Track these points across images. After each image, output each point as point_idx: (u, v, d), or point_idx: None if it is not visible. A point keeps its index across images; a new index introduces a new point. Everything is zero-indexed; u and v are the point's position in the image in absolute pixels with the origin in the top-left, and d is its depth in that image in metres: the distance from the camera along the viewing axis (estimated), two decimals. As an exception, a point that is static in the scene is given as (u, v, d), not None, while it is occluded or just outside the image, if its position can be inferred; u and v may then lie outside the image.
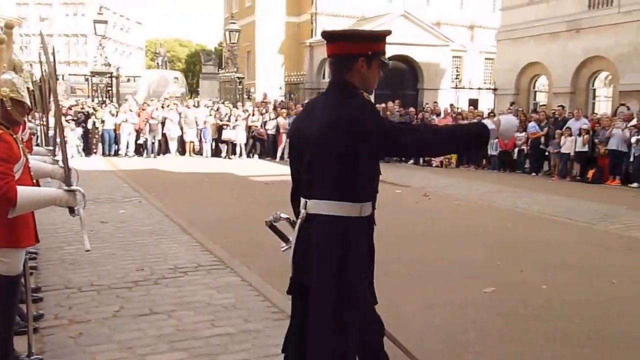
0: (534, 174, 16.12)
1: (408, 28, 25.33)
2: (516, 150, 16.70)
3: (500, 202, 11.02)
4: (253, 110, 19.87)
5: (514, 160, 16.81)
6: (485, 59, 33.03)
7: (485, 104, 24.95)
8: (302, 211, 2.60)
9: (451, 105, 21.79)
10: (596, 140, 14.67)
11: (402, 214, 9.34)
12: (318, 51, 27.14)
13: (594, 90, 21.11)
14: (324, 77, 26.93)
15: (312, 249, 2.55)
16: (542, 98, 23.02)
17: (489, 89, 25.55)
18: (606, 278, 5.78)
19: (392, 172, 15.58)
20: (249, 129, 19.27)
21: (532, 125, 16.49)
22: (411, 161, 18.67)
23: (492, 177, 15.20)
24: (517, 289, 5.40)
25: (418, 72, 26.15)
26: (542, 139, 16.13)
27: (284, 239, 2.88)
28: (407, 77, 26.19)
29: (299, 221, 2.63)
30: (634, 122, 14.25)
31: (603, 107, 20.74)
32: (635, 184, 13.55)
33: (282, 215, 2.85)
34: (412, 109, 19.77)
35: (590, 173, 14.44)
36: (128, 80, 28.76)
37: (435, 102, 21.55)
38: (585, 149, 14.65)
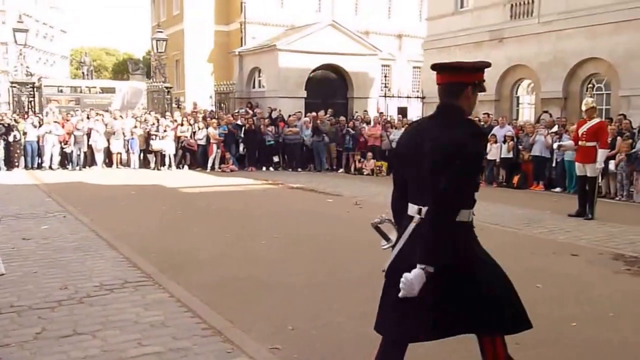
0: None
1: (336, 37, 25.64)
2: None
3: (431, 208, 11.25)
4: (182, 120, 19.54)
5: (443, 168, 17.24)
6: (414, 67, 33.90)
7: (414, 112, 25.53)
8: (417, 216, 2.95)
9: (381, 113, 22.22)
10: (520, 147, 15.28)
11: (334, 223, 9.39)
12: (248, 60, 27.02)
13: (518, 97, 22.06)
14: (254, 87, 26.82)
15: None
16: None
17: (418, 97, 26.19)
18: (532, 282, 5.98)
19: (324, 181, 15.70)
20: (178, 139, 18.93)
21: None
22: (342, 169, 18.86)
23: (423, 184, 15.51)
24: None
25: (348, 81, 26.48)
26: None
27: (386, 238, 3.23)
28: (337, 86, 26.47)
29: (412, 224, 2.95)
30: (555, 128, 14.95)
31: (527, 114, 21.68)
32: (557, 189, 14.20)
33: (386, 217, 3.25)
34: (342, 118, 19.98)
35: (515, 179, 15.02)
36: (102, 92, 27.87)
37: (366, 111, 21.89)
38: (510, 155, 15.23)
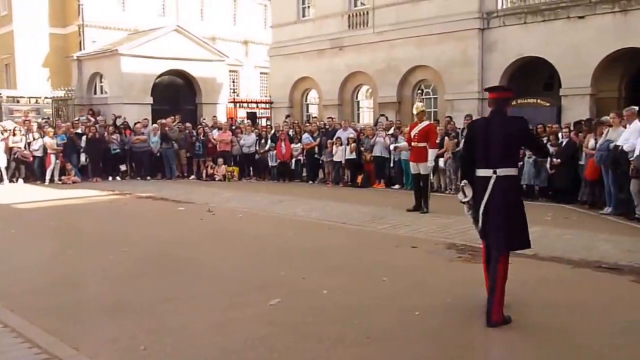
0: (310, 182, 16.99)
1: (182, 42, 25.02)
2: (293, 160, 17.42)
3: (281, 211, 11.36)
4: (14, 130, 17.76)
5: (292, 170, 17.51)
6: (261, 73, 34.08)
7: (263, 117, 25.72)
8: (494, 175, 4.76)
9: (230, 119, 22.05)
10: (362, 148, 15.94)
11: (186, 232, 9.11)
12: (88, 65, 25.44)
13: (358, 102, 23.05)
14: (95, 93, 25.34)
15: (505, 193, 4.78)
16: (314, 110, 24.46)
17: (266, 102, 26.37)
18: (378, 276, 6.23)
19: (175, 189, 15.22)
20: (10, 150, 17.18)
21: (306, 137, 17.35)
22: (193, 176, 18.45)
23: (273, 188, 15.64)
24: (302, 297, 5.55)
25: (196, 87, 25.93)
26: (316, 149, 17.07)
27: (465, 194, 4.96)
28: (184, 92, 25.82)
29: (492, 181, 4.77)
30: (391, 130, 15.81)
31: (367, 117, 22.75)
32: (397, 186, 15.02)
33: (465, 182, 4.98)
34: (188, 124, 19.47)
35: (359, 178, 15.67)
36: None
37: (215, 117, 21.57)
38: (354, 156, 15.84)
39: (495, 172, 4.75)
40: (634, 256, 7.04)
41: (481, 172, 4.84)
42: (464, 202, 4.98)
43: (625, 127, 9.98)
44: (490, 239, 4.84)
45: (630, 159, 9.42)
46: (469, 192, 4.91)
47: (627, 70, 17.95)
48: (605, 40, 15.94)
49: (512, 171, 4.86)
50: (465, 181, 4.98)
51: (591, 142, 10.98)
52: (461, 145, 13.60)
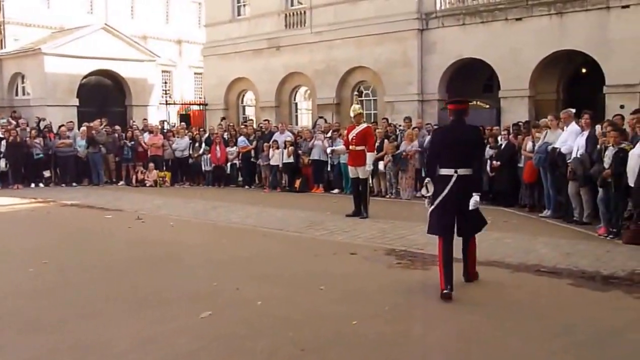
0: (247, 187, 16.78)
1: (111, 42, 24.33)
2: (229, 164, 17.17)
3: (215, 218, 11.15)
4: None
5: (227, 175, 17.26)
6: (195, 73, 33.52)
7: (197, 119, 25.26)
8: (455, 174, 5.78)
9: (162, 121, 21.55)
10: (300, 152, 15.87)
11: (112, 241, 8.79)
12: (9, 64, 24.37)
13: (296, 103, 23.01)
14: (17, 94, 24.30)
15: (463, 190, 5.78)
16: (250, 112, 24.24)
17: (200, 104, 25.94)
18: (315, 285, 6.16)
19: (103, 196, 14.73)
20: None
21: (241, 140, 17.14)
22: (122, 182, 17.91)
23: (208, 193, 15.36)
24: (234, 309, 5.41)
25: (125, 88, 25.25)
26: (252, 152, 16.89)
27: (428, 190, 5.96)
28: (113, 93, 25.11)
29: (453, 179, 5.79)
30: (329, 133, 15.81)
31: (305, 119, 22.73)
32: (336, 190, 15.02)
33: (429, 180, 6.00)
34: (117, 127, 18.89)
35: (297, 183, 15.58)
36: None
37: (145, 119, 21.04)
38: (291, 160, 15.74)
39: (456, 172, 5.77)
40: (572, 260, 7.23)
41: (444, 171, 5.85)
42: (426, 197, 5.99)
43: (563, 129, 10.30)
44: (460, 228, 5.90)
45: (568, 162, 9.72)
46: (431, 188, 5.90)
47: (564, 72, 18.67)
48: (543, 42, 16.47)
49: (469, 171, 5.83)
50: (428, 179, 5.99)
51: (529, 145, 11.29)
52: (401, 147, 13.78)
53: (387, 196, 13.93)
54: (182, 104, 27.19)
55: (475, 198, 5.77)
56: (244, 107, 24.68)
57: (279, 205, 12.59)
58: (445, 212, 5.79)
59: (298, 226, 10.03)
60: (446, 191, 5.76)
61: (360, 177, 10.89)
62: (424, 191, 6.05)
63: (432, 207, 5.88)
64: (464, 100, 6.41)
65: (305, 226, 10.02)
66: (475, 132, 6.24)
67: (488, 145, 12.32)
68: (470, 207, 5.73)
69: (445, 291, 5.59)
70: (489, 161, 12.08)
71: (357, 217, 10.71)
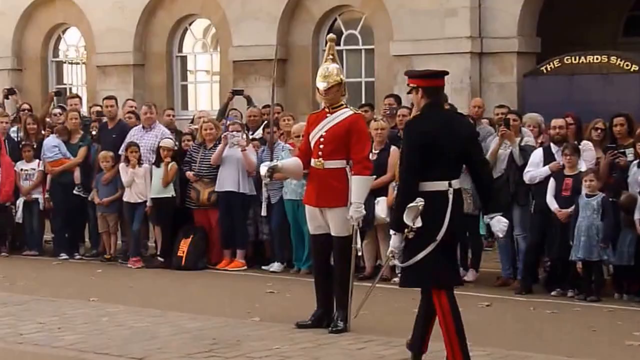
0: (63, 255, 10.24)
1: None
2: (20, 203, 10.66)
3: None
4: None
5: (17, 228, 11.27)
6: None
7: None
8: (450, 188, 4.05)
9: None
10: (191, 174, 10.16)
11: None
12: None
13: (183, 58, 14.73)
14: None
15: (458, 212, 4.21)
16: (78, 79, 15.48)
17: None
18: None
19: None
20: None
21: (52, 144, 11.72)
22: None
23: None
24: None
25: None
26: (78, 175, 11.30)
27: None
28: None
29: (450, 197, 4.04)
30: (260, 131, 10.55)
31: (203, 98, 15.71)
32: (275, 265, 8.67)
33: (421, 200, 3.94)
34: None
35: (183, 246, 10.28)
36: None
37: None
38: (170, 192, 9.84)
39: (450, 185, 4.09)
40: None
41: (434, 186, 4.09)
42: (413, 231, 3.98)
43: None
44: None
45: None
46: (416, 216, 3.93)
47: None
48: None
49: (460, 183, 4.34)
50: (421, 199, 3.94)
51: None
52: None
53: (394, 280, 6.90)
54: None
55: (500, 220, 4.22)
56: (58, 64, 14.85)
57: (143, 302, 6.70)
58: (445, 248, 4.11)
59: (180, 353, 4.96)
60: (447, 219, 3.98)
61: (334, 233, 5.48)
62: (406, 220, 3.87)
63: (429, 249, 3.94)
64: (441, 72, 4.51)
65: (201, 354, 4.98)
66: (467, 122, 4.78)
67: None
68: (501, 235, 4.54)
69: None
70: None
71: (324, 327, 5.46)
